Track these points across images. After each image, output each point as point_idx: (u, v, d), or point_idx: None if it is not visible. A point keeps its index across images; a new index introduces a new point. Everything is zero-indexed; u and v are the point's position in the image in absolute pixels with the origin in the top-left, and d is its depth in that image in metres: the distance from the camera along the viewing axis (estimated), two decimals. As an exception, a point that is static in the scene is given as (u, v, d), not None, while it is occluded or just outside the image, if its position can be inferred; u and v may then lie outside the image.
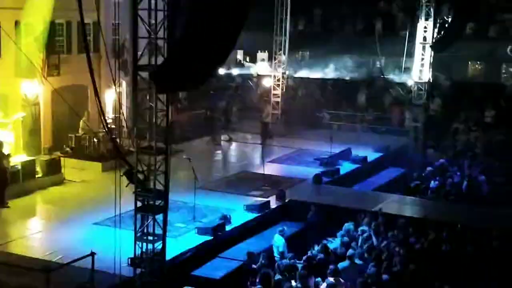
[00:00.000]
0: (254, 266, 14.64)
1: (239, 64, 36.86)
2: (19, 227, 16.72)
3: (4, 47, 21.33)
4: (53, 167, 20.63)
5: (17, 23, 21.75)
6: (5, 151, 18.92)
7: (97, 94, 12.29)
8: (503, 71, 32.81)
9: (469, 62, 33.49)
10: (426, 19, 27.53)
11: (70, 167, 21.45)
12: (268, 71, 32.00)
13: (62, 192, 19.98)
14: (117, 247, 12.72)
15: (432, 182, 21.87)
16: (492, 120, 29.81)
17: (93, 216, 17.19)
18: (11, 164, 19.12)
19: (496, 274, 13.97)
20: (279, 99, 30.41)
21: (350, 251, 14.78)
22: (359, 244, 15.67)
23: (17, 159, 20.04)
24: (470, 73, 33.76)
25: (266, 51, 35.02)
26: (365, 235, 15.99)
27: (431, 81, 28.82)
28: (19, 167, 19.45)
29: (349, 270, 14.19)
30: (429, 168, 23.49)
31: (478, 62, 33.45)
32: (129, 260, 13.36)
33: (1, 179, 18.23)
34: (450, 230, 16.38)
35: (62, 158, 21.36)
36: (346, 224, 16.84)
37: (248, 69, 36.56)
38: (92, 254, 12.36)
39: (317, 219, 18.35)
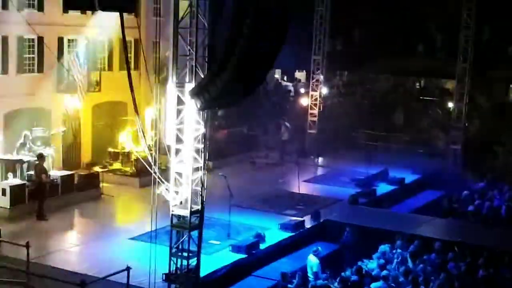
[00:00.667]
0: (289, 286, 14.58)
1: (278, 83, 37.01)
2: (56, 240, 16.94)
3: (46, 63, 21.78)
4: (91, 182, 20.91)
5: (60, 39, 22.24)
6: (45, 165, 19.23)
7: (136, 111, 12.44)
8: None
9: (510, 85, 33.03)
10: (466, 41, 27.28)
11: (108, 182, 21.70)
12: (305, 90, 32.01)
13: (100, 206, 20.21)
14: (152, 263, 12.79)
15: (471, 205, 21.54)
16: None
17: (129, 231, 17.34)
18: (51, 178, 19.41)
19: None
20: (315, 119, 30.37)
21: (384, 272, 14.65)
22: (393, 266, 15.51)
23: (57, 173, 20.37)
24: (510, 95, 33.29)
25: (304, 71, 35.06)
26: (400, 258, 15.82)
27: (470, 102, 28.45)
28: (59, 180, 19.75)
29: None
30: (466, 192, 23.16)
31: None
32: (164, 275, 13.41)
33: (40, 192, 18.52)
34: (488, 255, 16.11)
35: (100, 173, 21.63)
36: (381, 246, 16.69)
37: (286, 88, 36.70)
38: (128, 268, 12.45)
39: (352, 240, 18.21)
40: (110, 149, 23.38)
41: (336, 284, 14.56)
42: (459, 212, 21.30)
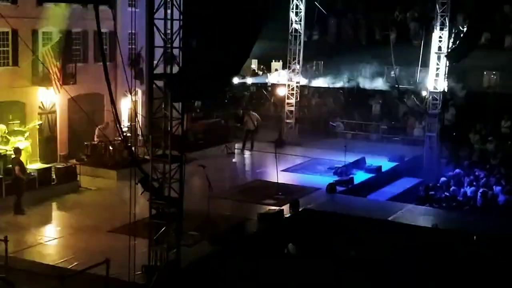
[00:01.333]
0: None
1: (254, 74, 36.99)
2: (35, 234, 16.83)
3: (21, 56, 21.59)
4: (68, 175, 20.80)
5: (34, 32, 22.04)
6: (22, 158, 19.08)
7: (113, 102, 12.39)
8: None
9: (484, 72, 33.33)
10: (441, 29, 27.48)
11: (86, 174, 21.60)
12: (282, 81, 32.06)
13: (78, 199, 20.12)
14: (131, 255, 12.78)
15: (447, 192, 21.79)
16: (508, 130, 29.66)
17: (108, 224, 17.28)
18: (28, 171, 19.28)
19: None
20: (293, 108, 30.47)
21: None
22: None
23: (34, 166, 20.22)
24: (485, 83, 33.60)
25: (281, 61, 35.10)
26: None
27: (446, 91, 28.68)
28: (36, 174, 19.62)
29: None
30: (443, 179, 23.41)
31: (494, 72, 33.31)
32: (143, 267, 13.42)
33: (17, 186, 18.39)
34: (465, 240, 16.35)
35: (77, 166, 21.52)
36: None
37: (263, 79, 36.66)
38: (107, 261, 12.43)
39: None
40: (87, 142, 23.25)
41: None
42: (436, 199, 21.53)
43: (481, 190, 21.67)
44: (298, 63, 30.47)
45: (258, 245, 17.20)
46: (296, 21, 29.82)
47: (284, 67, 33.27)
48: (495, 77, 33.43)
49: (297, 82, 30.64)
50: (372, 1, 34.75)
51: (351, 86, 34.83)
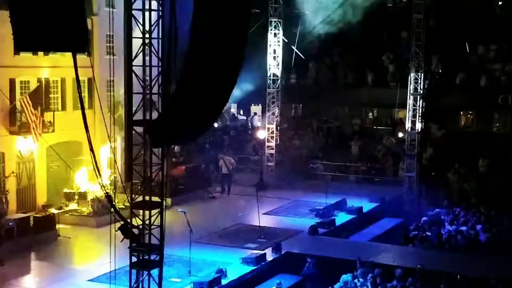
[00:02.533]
0: None
1: (233, 117, 37.16)
2: (14, 285, 16.54)
3: (-1, 105, 21.53)
4: (47, 224, 20.55)
5: (11, 81, 22.03)
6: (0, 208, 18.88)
7: (92, 150, 12.34)
8: (495, 119, 33.11)
9: (461, 112, 33.78)
10: (417, 71, 27.90)
11: (65, 223, 21.36)
12: (262, 124, 32.21)
13: (57, 248, 19.85)
14: (112, 304, 12.59)
15: (428, 232, 21.81)
16: (486, 169, 29.89)
17: (88, 273, 17.05)
18: (6, 221, 19.03)
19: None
20: (273, 151, 30.54)
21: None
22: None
23: (12, 216, 19.97)
24: (462, 123, 34.02)
25: (260, 104, 35.32)
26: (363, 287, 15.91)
27: (423, 131, 28.96)
28: (14, 224, 19.35)
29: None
30: (424, 218, 23.45)
31: (470, 112, 33.78)
32: (125, 316, 13.20)
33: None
34: (449, 280, 16.32)
35: (56, 214, 21.29)
36: (343, 276, 16.76)
37: (242, 122, 36.83)
38: (87, 311, 12.23)
39: (314, 271, 18.23)
40: (66, 190, 23.08)
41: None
42: (418, 239, 21.52)
43: (462, 228, 21.73)
44: (277, 106, 30.67)
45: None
46: (274, 65, 30.11)
47: (263, 111, 33.48)
48: (471, 117, 33.88)
49: (277, 125, 30.78)
50: (348, 44, 35.26)
51: (330, 127, 35.10)
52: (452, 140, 31.37)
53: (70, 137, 23.19)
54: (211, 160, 30.46)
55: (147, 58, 12.12)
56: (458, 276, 16.60)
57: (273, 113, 30.44)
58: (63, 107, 24.05)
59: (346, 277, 16.73)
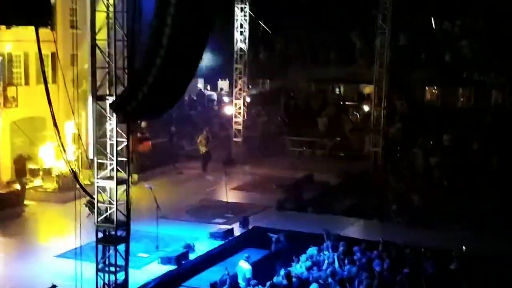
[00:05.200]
0: None
1: (200, 93, 37.03)
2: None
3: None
4: (12, 200, 20.33)
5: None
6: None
7: (56, 125, 12.22)
8: (459, 94, 33.54)
9: (426, 87, 34.12)
10: (383, 46, 28.04)
11: (30, 199, 21.16)
12: (229, 99, 32.15)
13: (22, 225, 19.68)
14: (79, 279, 12.55)
15: (393, 205, 22.07)
16: (450, 143, 30.33)
17: (54, 249, 16.94)
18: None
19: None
20: (240, 127, 30.54)
21: (314, 275, 14.88)
22: (324, 267, 15.76)
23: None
24: (427, 98, 34.38)
25: (227, 79, 35.21)
26: (327, 260, 16.08)
27: (389, 106, 29.20)
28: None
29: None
30: (389, 193, 23.73)
31: (435, 87, 34.13)
32: (91, 292, 13.19)
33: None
34: (411, 252, 16.60)
35: (21, 191, 21.06)
36: (309, 249, 16.93)
37: (210, 97, 36.76)
38: (53, 287, 12.18)
39: (281, 245, 18.38)
40: (31, 166, 22.82)
41: (266, 289, 14.65)
42: (383, 213, 21.79)
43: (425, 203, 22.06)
44: (244, 81, 30.61)
45: (211, 263, 17.17)
46: (241, 40, 29.98)
47: (230, 86, 33.40)
48: (436, 92, 34.25)
49: (244, 101, 30.76)
50: (316, 19, 35.24)
51: (297, 103, 35.21)
52: (417, 115, 31.71)
53: (34, 112, 22.87)
54: (178, 136, 30.38)
55: (112, 32, 11.98)
56: (422, 249, 16.87)
57: (240, 89, 30.38)
58: (27, 82, 23.68)
59: (312, 250, 16.90)
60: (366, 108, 31.98)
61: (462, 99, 33.63)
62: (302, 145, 32.11)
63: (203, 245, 17.89)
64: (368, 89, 32.96)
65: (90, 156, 12.66)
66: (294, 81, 35.71)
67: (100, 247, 12.51)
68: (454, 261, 16.01)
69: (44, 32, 10.30)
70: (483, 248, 17.42)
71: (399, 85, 30.49)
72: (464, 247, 16.60)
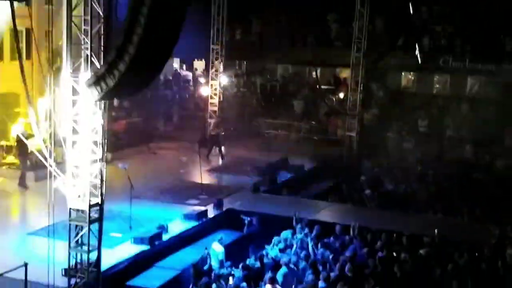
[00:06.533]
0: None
1: (176, 73, 36.77)
2: None
3: None
4: (-17, 177, 20.12)
5: None
6: None
7: (30, 102, 12.04)
8: (435, 81, 33.73)
9: (402, 73, 34.26)
10: (361, 30, 28.04)
11: (2, 176, 20.90)
12: (205, 80, 31.94)
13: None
14: (50, 258, 12.45)
15: (367, 190, 22.23)
16: (425, 129, 30.58)
17: (26, 226, 16.78)
18: None
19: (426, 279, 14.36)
20: (216, 108, 30.39)
21: (285, 258, 14.94)
22: (293, 251, 15.83)
23: None
24: (403, 84, 34.55)
25: (203, 60, 35.00)
26: (300, 243, 16.15)
27: (365, 90, 29.24)
28: None
29: (287, 277, 14.32)
30: (363, 177, 23.89)
31: (411, 73, 34.29)
32: (63, 270, 13.09)
33: None
34: (386, 237, 16.73)
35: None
36: (283, 232, 16.98)
37: (185, 78, 36.52)
38: (25, 264, 12.07)
39: (255, 228, 18.42)
40: (3, 143, 22.52)
41: (238, 272, 14.67)
42: (356, 197, 21.94)
43: (400, 187, 22.25)
44: (221, 62, 30.38)
45: (184, 244, 17.14)
46: (218, 20, 29.69)
47: (206, 67, 33.19)
48: (412, 78, 34.42)
49: (220, 82, 30.58)
50: (294, 1, 35.09)
51: (274, 85, 35.14)
52: (393, 100, 31.88)
53: (7, 88, 22.54)
54: (154, 115, 30.19)
55: (88, 8, 11.78)
56: (394, 234, 17.01)
57: (217, 70, 30.18)
58: (0, 58, 23.32)
59: (286, 233, 16.95)
60: (342, 93, 32.02)
61: (437, 86, 33.84)
62: (278, 128, 32.10)
63: (176, 226, 17.84)
64: (344, 73, 32.99)
65: (64, 134, 12.45)
66: (270, 63, 35.63)
67: (73, 226, 12.40)
68: (426, 246, 16.15)
69: (19, 7, 10.09)
70: (456, 233, 17.60)
71: (375, 70, 30.56)
72: (436, 232, 16.74)
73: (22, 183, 20.55)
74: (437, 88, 33.79)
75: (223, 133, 27.61)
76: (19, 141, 19.70)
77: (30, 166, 21.42)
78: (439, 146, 28.44)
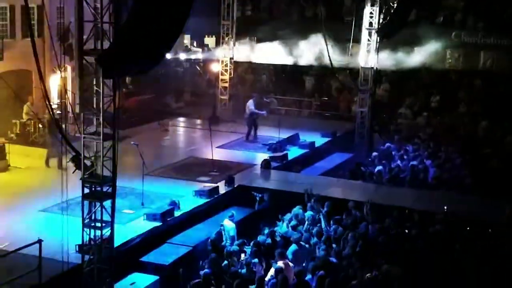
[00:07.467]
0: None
1: (187, 49, 36.63)
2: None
3: None
4: (-4, 154, 20.22)
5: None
6: None
7: (42, 79, 12.06)
8: (448, 56, 33.39)
9: (415, 48, 33.92)
10: (372, 5, 27.73)
11: (15, 153, 21.03)
12: (215, 56, 31.82)
13: (7, 178, 19.59)
14: (64, 234, 12.56)
15: (379, 166, 22.17)
16: (437, 105, 30.40)
17: (40, 203, 16.92)
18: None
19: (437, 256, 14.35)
20: (227, 84, 30.34)
21: (296, 235, 14.98)
22: (305, 228, 15.86)
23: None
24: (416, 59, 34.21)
25: (214, 36, 34.87)
26: (311, 219, 16.17)
27: (377, 66, 29.02)
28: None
29: (298, 253, 14.38)
30: (374, 153, 23.82)
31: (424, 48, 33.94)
32: (77, 247, 13.21)
33: None
34: (397, 214, 16.72)
35: (6, 145, 20.91)
36: (294, 209, 17.01)
37: (196, 54, 36.35)
38: (39, 241, 12.17)
39: (266, 204, 18.46)
40: (15, 120, 22.61)
41: (250, 248, 14.74)
42: (367, 174, 21.89)
43: (412, 163, 22.15)
44: (231, 39, 30.26)
45: (195, 221, 17.22)
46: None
47: (217, 43, 33.06)
48: (425, 53, 34.06)
49: (231, 58, 30.47)
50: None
51: (284, 62, 34.90)
52: (405, 75, 31.64)
53: (20, 65, 22.61)
54: (166, 92, 30.18)
55: (99, -15, 11.73)
56: (406, 210, 17.00)
57: (227, 46, 30.05)
58: (12, 35, 23.34)
59: (297, 209, 16.98)
60: (355, 68, 31.73)
61: (450, 60, 33.52)
62: (289, 104, 31.99)
63: (188, 203, 17.92)
64: (356, 48, 32.69)
65: (76, 111, 12.47)
66: (281, 39, 35.36)
67: (86, 202, 12.48)
68: (437, 223, 16.13)
69: (30, -16, 10.10)
70: (468, 210, 17.55)
71: (388, 46, 30.25)
72: (446, 208, 16.72)
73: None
74: (449, 63, 33.49)
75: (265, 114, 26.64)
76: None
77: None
78: (451, 121, 28.27)
